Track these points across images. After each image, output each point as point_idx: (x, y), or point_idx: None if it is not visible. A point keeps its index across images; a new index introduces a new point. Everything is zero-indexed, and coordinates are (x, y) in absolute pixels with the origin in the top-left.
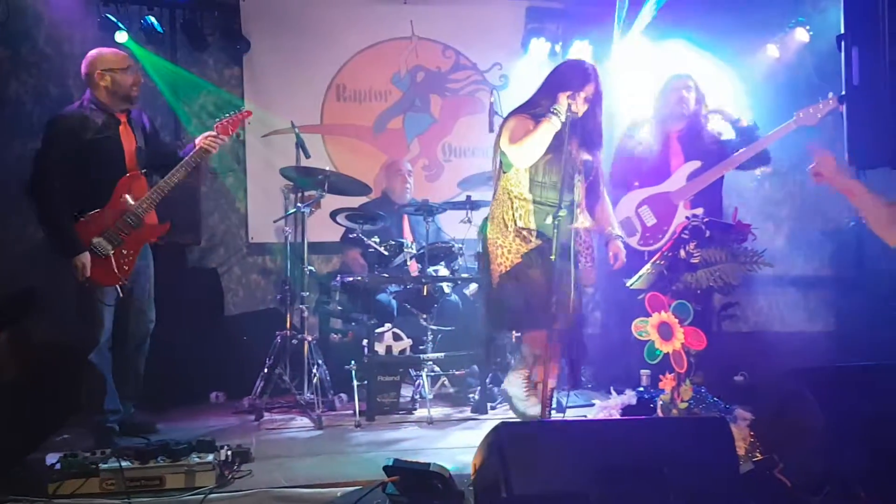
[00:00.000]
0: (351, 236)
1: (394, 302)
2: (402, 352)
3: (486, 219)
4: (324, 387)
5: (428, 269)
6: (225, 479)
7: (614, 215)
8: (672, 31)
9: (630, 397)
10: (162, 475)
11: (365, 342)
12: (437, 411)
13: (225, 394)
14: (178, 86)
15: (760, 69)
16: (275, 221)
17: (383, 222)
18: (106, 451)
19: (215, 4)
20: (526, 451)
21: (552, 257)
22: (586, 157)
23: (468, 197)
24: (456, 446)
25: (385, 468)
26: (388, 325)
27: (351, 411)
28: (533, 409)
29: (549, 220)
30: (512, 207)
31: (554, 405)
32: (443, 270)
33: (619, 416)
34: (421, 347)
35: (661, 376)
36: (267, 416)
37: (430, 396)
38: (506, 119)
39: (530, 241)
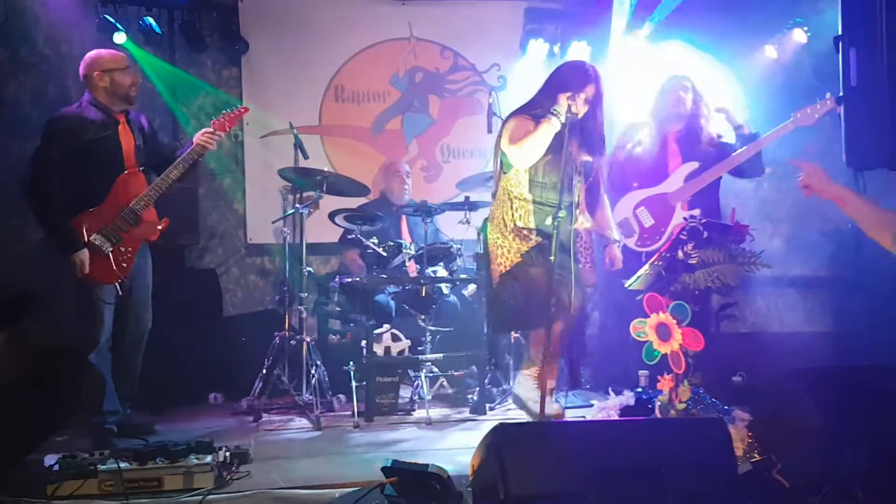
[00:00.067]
0: (349, 237)
1: (392, 303)
2: (401, 353)
3: (486, 219)
4: (322, 388)
5: (426, 270)
6: (223, 481)
7: (613, 218)
8: (670, 33)
9: (628, 398)
10: (160, 476)
11: (363, 343)
12: (436, 412)
13: (223, 395)
14: (176, 87)
15: (758, 70)
16: (273, 222)
17: (382, 223)
18: (104, 452)
19: (214, 5)
20: (524, 452)
21: (552, 258)
22: (586, 158)
23: (467, 198)
24: (454, 447)
25: (383, 469)
26: (386, 326)
27: (349, 412)
28: (548, 408)
29: (549, 220)
30: (512, 208)
31: None
32: (441, 271)
33: (617, 417)
34: (419, 348)
35: (659, 377)
36: (265, 417)
37: (429, 397)
38: (506, 120)
39: (530, 239)
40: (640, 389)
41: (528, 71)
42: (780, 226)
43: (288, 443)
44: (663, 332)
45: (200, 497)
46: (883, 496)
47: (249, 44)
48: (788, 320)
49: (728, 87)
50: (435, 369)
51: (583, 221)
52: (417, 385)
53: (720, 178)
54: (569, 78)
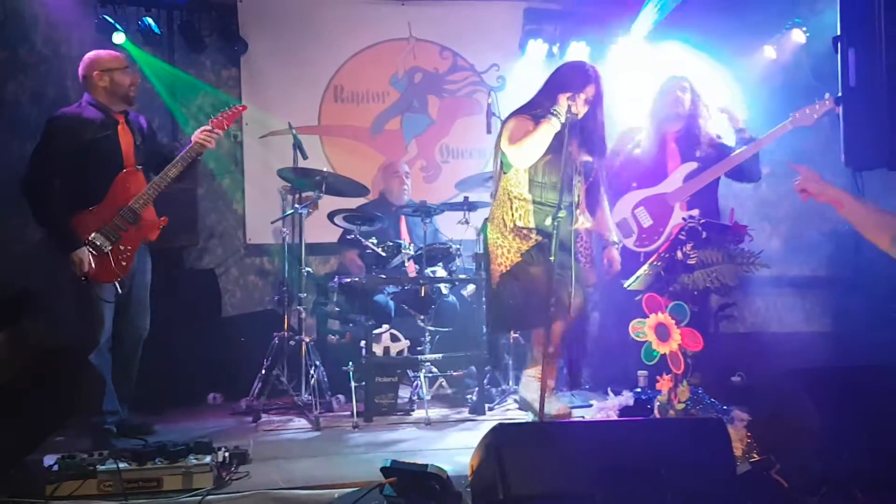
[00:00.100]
0: (349, 237)
1: (391, 303)
2: (400, 353)
3: (486, 220)
4: (321, 388)
5: (425, 270)
6: (222, 481)
7: (612, 219)
8: (669, 33)
9: (627, 398)
10: (159, 477)
11: (363, 343)
12: (435, 412)
13: (222, 395)
14: (175, 87)
15: (757, 70)
16: (272, 223)
17: (381, 223)
18: (103, 452)
19: (213, 6)
20: (523, 452)
21: (552, 258)
22: (586, 158)
23: (466, 198)
24: (454, 447)
25: (383, 469)
26: (385, 326)
27: (349, 412)
28: (554, 408)
29: (549, 220)
30: (511, 208)
31: None
32: (440, 271)
33: (616, 417)
34: (419, 348)
35: (658, 377)
36: (264, 417)
37: (428, 397)
38: (506, 119)
39: (530, 238)
40: (639, 390)
41: (527, 71)
42: (779, 226)
43: (287, 443)
44: (662, 333)
45: (199, 497)
46: (881, 496)
47: (248, 44)
48: (787, 320)
49: (727, 88)
50: (434, 369)
51: (583, 222)
52: (416, 385)
53: (719, 178)
54: (569, 78)
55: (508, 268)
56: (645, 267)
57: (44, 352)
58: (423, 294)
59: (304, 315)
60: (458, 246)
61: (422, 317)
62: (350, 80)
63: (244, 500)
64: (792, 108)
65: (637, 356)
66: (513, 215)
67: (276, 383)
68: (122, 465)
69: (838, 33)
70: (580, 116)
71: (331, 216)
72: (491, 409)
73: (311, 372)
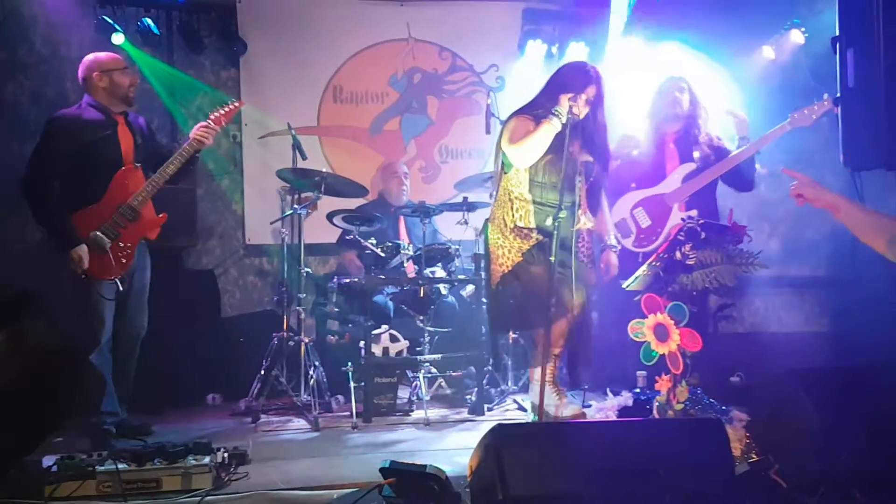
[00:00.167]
0: (348, 238)
1: (390, 303)
2: (399, 353)
3: (486, 220)
4: (320, 388)
5: (425, 271)
6: (221, 482)
7: (611, 219)
8: (667, 33)
9: (626, 399)
10: (158, 477)
11: (362, 344)
12: (434, 413)
13: (221, 396)
14: (174, 88)
15: (756, 71)
16: (271, 223)
17: (380, 224)
18: (102, 453)
19: (212, 6)
20: (522, 453)
21: (552, 258)
22: (587, 158)
23: (465, 198)
24: (453, 448)
25: (382, 470)
26: (384, 327)
27: (348, 413)
28: (566, 409)
29: (549, 221)
30: (512, 208)
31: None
32: (439, 272)
33: (615, 418)
34: (418, 349)
35: (657, 378)
36: (263, 417)
37: (427, 398)
38: (507, 119)
39: (531, 237)
40: (638, 390)
41: (526, 72)
42: (778, 226)
43: (286, 444)
44: (661, 333)
45: (199, 498)
46: (880, 496)
47: (248, 44)
48: (786, 320)
49: (725, 88)
50: (433, 370)
51: (585, 222)
52: (416, 386)
53: (718, 178)
54: (570, 79)
55: (510, 268)
56: (644, 267)
57: (44, 352)
58: (422, 294)
59: (303, 315)
60: (457, 246)
61: (421, 317)
62: (349, 81)
63: (243, 501)
64: (790, 108)
65: (636, 356)
66: (513, 215)
67: (276, 384)
68: (121, 466)
69: (837, 34)
70: (581, 117)
71: (330, 217)
72: (490, 409)
73: (311, 372)
